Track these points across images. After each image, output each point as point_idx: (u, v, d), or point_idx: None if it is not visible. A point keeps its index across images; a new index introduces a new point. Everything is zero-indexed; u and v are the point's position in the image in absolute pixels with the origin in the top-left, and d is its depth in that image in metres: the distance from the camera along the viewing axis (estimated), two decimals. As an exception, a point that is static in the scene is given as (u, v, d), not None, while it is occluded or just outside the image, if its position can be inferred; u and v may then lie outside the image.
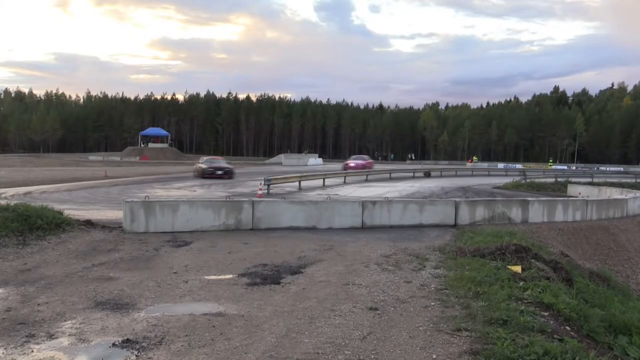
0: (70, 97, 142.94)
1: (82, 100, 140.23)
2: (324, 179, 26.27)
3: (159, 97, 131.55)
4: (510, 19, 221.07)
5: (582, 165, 75.38)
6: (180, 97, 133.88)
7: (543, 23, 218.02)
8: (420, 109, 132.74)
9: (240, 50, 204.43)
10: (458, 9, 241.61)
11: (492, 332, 4.73)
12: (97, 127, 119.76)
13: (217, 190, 20.58)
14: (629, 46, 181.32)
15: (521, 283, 6.57)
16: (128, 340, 4.54)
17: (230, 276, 7.05)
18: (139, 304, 5.65)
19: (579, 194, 23.53)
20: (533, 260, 7.92)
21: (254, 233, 10.72)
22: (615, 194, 21.77)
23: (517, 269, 7.32)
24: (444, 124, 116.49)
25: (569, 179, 33.95)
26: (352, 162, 40.10)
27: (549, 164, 68.63)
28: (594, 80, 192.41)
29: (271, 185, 20.86)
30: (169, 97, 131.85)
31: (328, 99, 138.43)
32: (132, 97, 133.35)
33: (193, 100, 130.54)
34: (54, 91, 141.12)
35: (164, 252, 8.55)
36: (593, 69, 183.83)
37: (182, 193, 19.10)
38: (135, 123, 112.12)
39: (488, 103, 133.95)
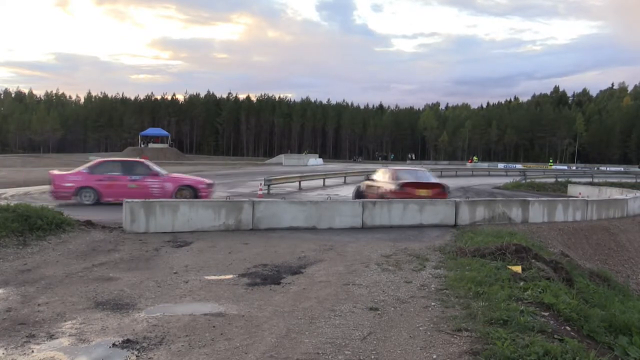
0: (70, 97, 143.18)
1: (82, 100, 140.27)
2: (324, 179, 26.30)
3: (159, 97, 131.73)
4: (513, 18, 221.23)
5: (582, 165, 75.40)
6: (180, 97, 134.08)
7: (546, 22, 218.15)
8: (421, 109, 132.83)
9: (241, 50, 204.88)
10: (461, 8, 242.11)
11: (492, 332, 4.73)
12: (97, 127, 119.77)
13: (217, 191, 20.55)
14: (632, 46, 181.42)
15: (521, 283, 6.56)
16: (128, 340, 4.54)
17: (230, 276, 7.05)
18: (139, 304, 5.65)
19: (579, 194, 23.52)
20: (533, 260, 7.92)
21: (254, 233, 10.72)
22: (616, 194, 21.77)
23: (518, 269, 7.31)
24: (444, 124, 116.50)
25: (569, 179, 33.97)
26: None
27: (549, 164, 68.59)
28: (596, 80, 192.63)
29: (271, 186, 20.88)
30: (169, 97, 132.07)
31: (328, 99, 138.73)
32: (133, 97, 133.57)
33: (193, 100, 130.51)
34: (54, 91, 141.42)
35: (164, 252, 8.55)
36: (595, 69, 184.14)
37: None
38: (136, 123, 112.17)
39: (488, 103, 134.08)
